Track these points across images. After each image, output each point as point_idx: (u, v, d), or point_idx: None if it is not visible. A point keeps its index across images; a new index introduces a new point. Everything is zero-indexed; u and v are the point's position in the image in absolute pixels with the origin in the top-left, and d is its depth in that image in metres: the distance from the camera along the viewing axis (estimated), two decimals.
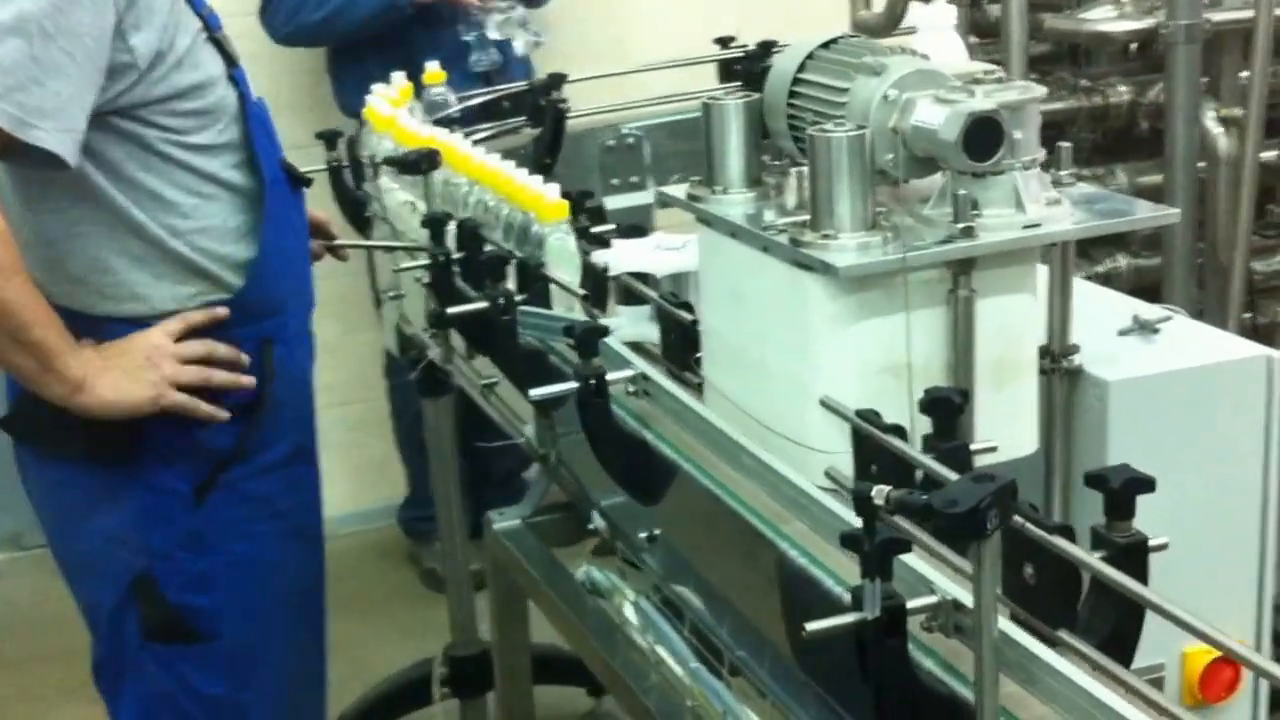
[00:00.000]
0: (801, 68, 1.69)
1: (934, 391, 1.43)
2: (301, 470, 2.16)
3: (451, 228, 2.28)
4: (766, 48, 3.62)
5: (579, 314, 1.97)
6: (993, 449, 1.48)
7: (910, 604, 1.19)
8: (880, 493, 1.16)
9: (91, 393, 1.91)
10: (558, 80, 3.43)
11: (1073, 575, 1.25)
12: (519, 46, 3.89)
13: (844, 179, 1.50)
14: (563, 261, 2.02)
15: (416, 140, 2.51)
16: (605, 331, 1.74)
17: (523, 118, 3.44)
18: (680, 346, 1.84)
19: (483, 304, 2.04)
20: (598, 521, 1.95)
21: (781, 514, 1.48)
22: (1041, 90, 1.54)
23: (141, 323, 1.99)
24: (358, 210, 3.13)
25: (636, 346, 1.91)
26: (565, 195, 2.13)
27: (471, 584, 3.10)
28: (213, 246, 2.01)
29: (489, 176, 2.21)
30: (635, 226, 2.20)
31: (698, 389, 1.81)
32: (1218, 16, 2.66)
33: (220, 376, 2.01)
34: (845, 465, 1.53)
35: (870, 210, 1.51)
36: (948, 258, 1.49)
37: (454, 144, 2.40)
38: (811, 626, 1.17)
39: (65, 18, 1.81)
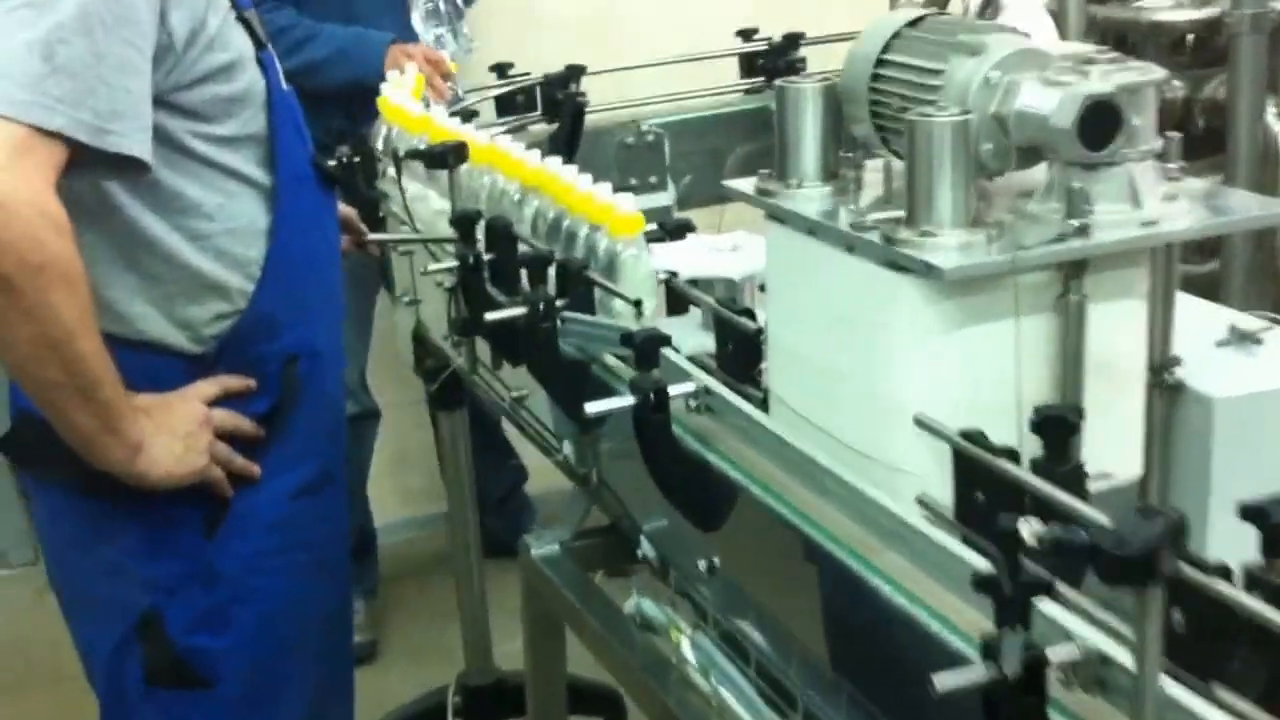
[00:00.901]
0: (886, 48, 1.54)
1: (1047, 409, 1.28)
2: (328, 496, 1.98)
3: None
4: (792, 40, 3.50)
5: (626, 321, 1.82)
6: (1107, 476, 1.33)
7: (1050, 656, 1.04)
8: (1028, 527, 1.00)
9: (149, 458, 1.74)
10: (576, 73, 3.28)
11: (1229, 621, 1.10)
12: (452, 51, 3.67)
13: (946, 170, 1.34)
14: (636, 281, 1.82)
15: (447, 137, 2.36)
16: (667, 340, 1.58)
17: (537, 112, 3.30)
18: (740, 357, 1.68)
19: (520, 309, 1.88)
20: (646, 549, 1.79)
21: (870, 544, 1.33)
22: (1162, 72, 1.39)
23: (149, 348, 1.81)
24: (371, 209, 2.98)
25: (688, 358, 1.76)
26: None
27: (486, 609, 2.95)
28: (238, 250, 1.83)
29: (548, 183, 2.02)
30: (681, 225, 2.04)
31: (760, 404, 1.65)
32: None
33: (239, 463, 1.85)
34: (935, 488, 1.38)
35: (973, 205, 1.36)
36: (1061, 258, 1.34)
37: (504, 147, 2.20)
38: (942, 683, 1.02)
39: (122, 4, 1.64)
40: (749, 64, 3.51)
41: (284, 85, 1.89)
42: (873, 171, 1.61)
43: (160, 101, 1.72)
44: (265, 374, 1.87)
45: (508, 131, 3.10)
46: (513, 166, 2.10)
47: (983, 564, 1.17)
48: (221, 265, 1.82)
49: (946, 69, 1.45)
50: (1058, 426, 1.27)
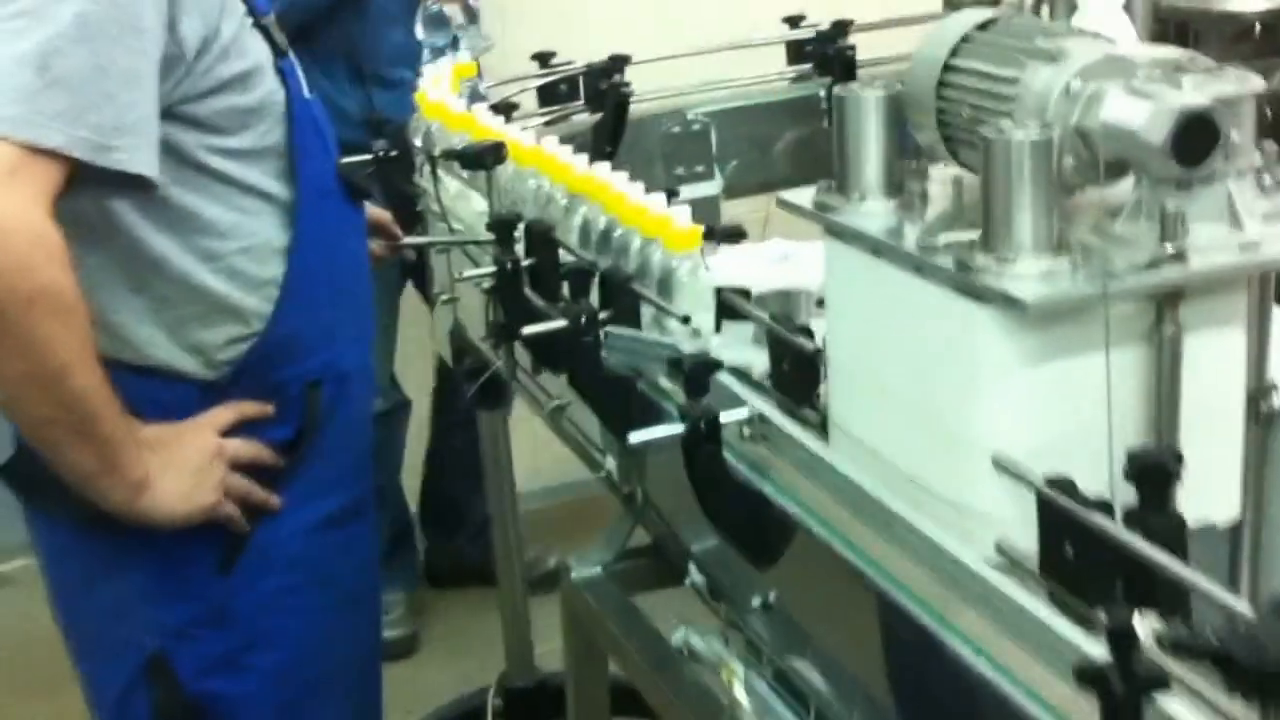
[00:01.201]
0: (954, 51, 1.40)
1: (1143, 454, 1.15)
2: (356, 528, 1.85)
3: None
4: (841, 27, 3.35)
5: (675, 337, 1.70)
6: (1204, 519, 1.19)
7: None
8: (1147, 624, 0.87)
9: (154, 496, 1.62)
10: (620, 63, 3.15)
11: None
12: (465, 51, 3.50)
13: (1026, 192, 1.21)
14: (693, 299, 1.68)
15: (489, 136, 2.23)
16: (718, 366, 1.46)
17: (580, 102, 3.17)
18: (798, 379, 1.55)
19: (561, 322, 1.75)
20: (695, 577, 1.67)
21: (948, 601, 1.20)
22: (1260, 82, 1.24)
23: (159, 375, 1.69)
24: (408, 205, 2.86)
25: (738, 374, 1.63)
26: None
27: (528, 609, 2.84)
28: (254, 270, 1.71)
29: (598, 191, 1.88)
30: (733, 230, 1.91)
31: (819, 428, 1.53)
32: None
33: (258, 495, 1.72)
34: (1015, 532, 1.25)
35: (1056, 229, 1.22)
36: (1157, 287, 1.20)
37: (551, 150, 2.06)
38: None
39: (126, 11, 1.52)
40: (796, 51, 3.37)
41: (306, 93, 1.76)
42: (939, 183, 1.47)
43: (170, 114, 1.60)
44: (286, 399, 1.75)
45: (549, 123, 2.98)
46: (560, 171, 1.96)
47: (1075, 634, 1.05)
48: (236, 286, 1.70)
49: (1022, 77, 1.32)
50: (1156, 474, 1.13)
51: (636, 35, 3.81)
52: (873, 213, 1.42)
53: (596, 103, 3.11)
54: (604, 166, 1.91)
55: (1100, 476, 1.21)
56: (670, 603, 1.82)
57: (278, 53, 1.72)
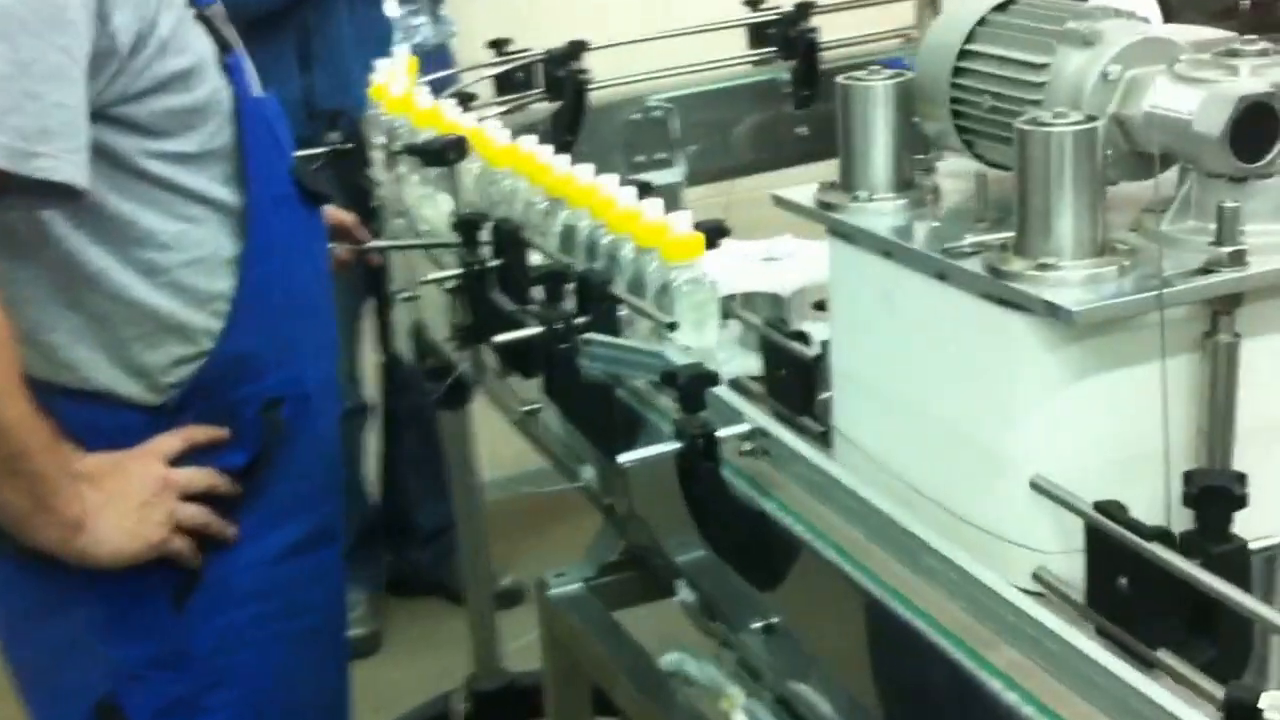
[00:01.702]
0: (970, 36, 1.25)
1: (1205, 477, 1.01)
2: (323, 555, 1.68)
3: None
4: (803, 10, 3.20)
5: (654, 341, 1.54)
6: (1263, 538, 1.05)
7: None
8: (1269, 700, 0.73)
9: (93, 535, 1.44)
10: (578, 48, 2.98)
11: None
12: (430, 35, 3.30)
13: (1067, 188, 1.06)
14: (695, 314, 1.48)
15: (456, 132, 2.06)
16: (715, 379, 1.30)
17: (538, 90, 3.01)
18: (796, 387, 1.40)
19: (535, 329, 1.59)
20: (685, 594, 1.52)
21: (982, 636, 1.05)
22: None
23: (100, 399, 1.50)
24: (363, 201, 2.69)
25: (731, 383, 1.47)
26: None
27: (494, 609, 2.68)
28: (201, 284, 1.52)
29: (584, 197, 1.71)
30: (714, 226, 1.74)
31: (819, 439, 1.38)
32: None
33: (215, 525, 1.55)
34: (1052, 560, 1.11)
35: (1102, 230, 1.08)
36: (1215, 292, 1.06)
37: (528, 149, 1.87)
38: None
39: (50, 2, 1.33)
40: (758, 34, 3.21)
41: (256, 91, 1.58)
42: (949, 177, 1.33)
43: (104, 116, 1.41)
44: (242, 421, 1.57)
45: (507, 112, 2.81)
46: (538, 173, 1.79)
47: (1137, 678, 0.91)
48: (182, 302, 1.51)
49: (1053, 62, 1.17)
50: (1218, 499, 0.99)
51: (592, 21, 3.66)
52: (882, 211, 1.27)
53: (555, 90, 2.96)
54: (586, 168, 1.74)
55: (1147, 500, 1.07)
56: (647, 618, 1.68)
57: (223, 47, 1.53)
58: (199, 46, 1.49)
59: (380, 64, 2.67)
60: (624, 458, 1.28)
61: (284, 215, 1.57)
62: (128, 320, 1.49)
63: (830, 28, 3.13)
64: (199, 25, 1.50)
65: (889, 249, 1.22)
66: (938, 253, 1.15)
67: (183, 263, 1.50)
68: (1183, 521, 1.11)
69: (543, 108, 2.93)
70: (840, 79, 1.28)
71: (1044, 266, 1.07)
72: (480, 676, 2.73)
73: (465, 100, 2.63)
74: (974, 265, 1.12)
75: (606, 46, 3.08)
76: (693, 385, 1.28)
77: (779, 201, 1.35)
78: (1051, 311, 1.04)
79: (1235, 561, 1.00)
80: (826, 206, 1.30)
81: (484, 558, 2.58)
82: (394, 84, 2.51)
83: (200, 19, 1.50)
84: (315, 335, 1.65)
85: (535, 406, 1.93)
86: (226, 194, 1.53)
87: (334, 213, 1.91)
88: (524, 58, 3.02)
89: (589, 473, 1.75)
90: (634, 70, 3.07)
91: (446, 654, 3.11)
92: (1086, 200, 1.06)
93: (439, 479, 3.59)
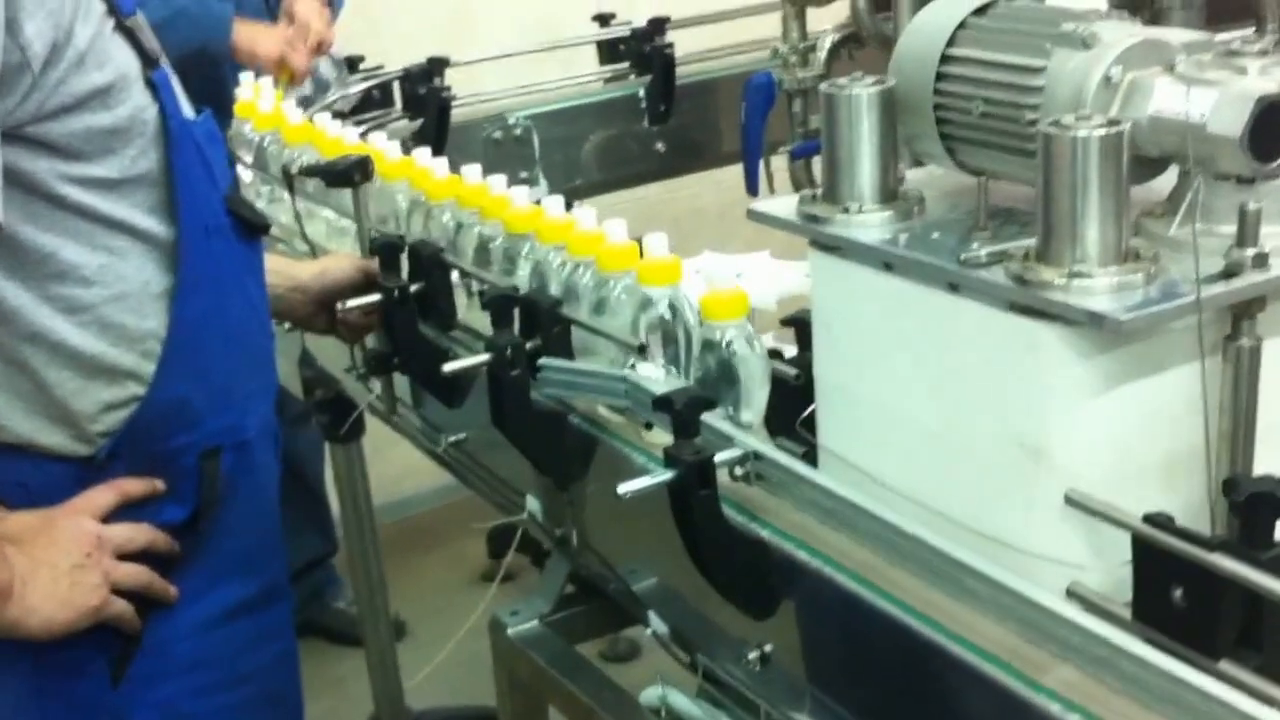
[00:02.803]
0: (951, 41, 1.21)
1: (1251, 484, 0.98)
2: (272, 615, 1.53)
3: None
4: (658, 24, 3.16)
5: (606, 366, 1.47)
6: None
7: None
8: None
9: (22, 604, 1.29)
10: (439, 66, 2.90)
11: None
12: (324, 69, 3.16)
13: (1094, 194, 1.03)
14: (748, 386, 1.32)
15: (339, 149, 1.95)
16: (711, 404, 1.24)
17: (396, 109, 2.91)
18: (781, 409, 1.35)
19: (483, 356, 1.51)
20: (657, 625, 1.45)
21: (1028, 656, 1.01)
22: None
23: (22, 452, 1.35)
24: None
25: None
26: None
27: (394, 643, 2.56)
28: (129, 321, 1.37)
29: (520, 221, 1.62)
30: None
31: (804, 459, 1.32)
32: None
33: (157, 585, 1.41)
34: (1087, 576, 1.08)
35: (1129, 237, 1.05)
36: (1244, 296, 1.03)
37: (472, 180, 1.77)
38: None
39: None
40: (610, 51, 3.16)
41: (187, 111, 1.43)
42: (925, 186, 1.29)
43: (15, 136, 1.27)
44: (179, 473, 1.42)
45: (366, 132, 2.71)
46: (470, 196, 1.69)
47: (1220, 689, 0.87)
48: (107, 342, 1.37)
49: (1049, 65, 1.13)
50: (1265, 505, 0.97)
51: (437, 39, 3.56)
52: (871, 223, 1.22)
53: (415, 108, 2.86)
54: (520, 190, 1.66)
55: (1178, 507, 1.04)
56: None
57: (147, 62, 1.38)
58: (121, 60, 1.34)
59: (244, 77, 2.54)
60: (623, 488, 1.20)
61: (218, 248, 1.43)
62: (49, 363, 1.34)
63: (687, 42, 3.10)
64: (120, 37, 1.34)
65: (891, 261, 1.17)
66: (953, 264, 1.10)
67: (107, 299, 1.36)
68: (1204, 525, 1.10)
69: (402, 126, 2.84)
70: (823, 87, 1.22)
71: (1075, 275, 1.03)
72: (384, 718, 2.61)
73: (341, 117, 2.52)
74: (995, 277, 1.08)
75: (467, 63, 3.00)
76: (688, 410, 1.22)
77: (756, 216, 1.29)
78: (1097, 321, 1.00)
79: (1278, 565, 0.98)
80: (813, 219, 1.24)
81: (382, 594, 2.46)
82: (261, 99, 2.39)
83: (122, 30, 1.35)
84: (254, 378, 1.52)
85: (460, 437, 1.84)
86: (154, 224, 1.39)
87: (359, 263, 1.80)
88: (382, 75, 2.92)
89: (534, 504, 1.66)
90: (488, 89, 3.01)
91: (332, 698, 2.98)
92: (1113, 206, 1.03)
93: (303, 512, 3.44)
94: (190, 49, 2.65)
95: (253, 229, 1.49)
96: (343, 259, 1.85)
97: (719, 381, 1.32)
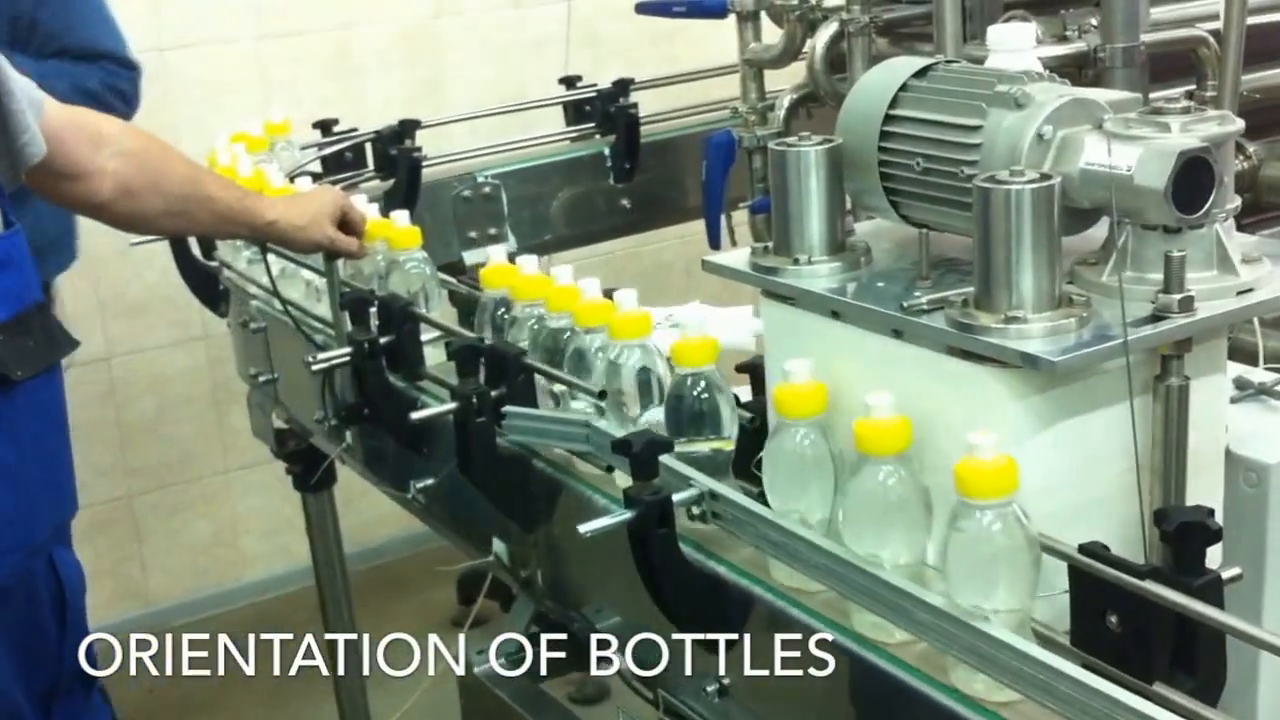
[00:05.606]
0: (894, 103, 1.26)
1: (1179, 514, 1.02)
2: None
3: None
4: (623, 86, 3.21)
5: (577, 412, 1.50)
6: (1237, 577, 1.06)
7: None
8: None
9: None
10: (410, 127, 2.94)
11: None
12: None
13: (1027, 245, 1.07)
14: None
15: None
16: (669, 446, 1.27)
17: (369, 169, 2.94)
18: (737, 453, 1.38)
19: (449, 405, 1.53)
20: (628, 663, 1.47)
21: (993, 689, 1.04)
22: (1240, 123, 1.14)
23: None
24: (209, 284, 2.57)
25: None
26: None
27: (365, 690, 2.56)
28: None
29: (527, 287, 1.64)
30: None
31: (757, 499, 1.35)
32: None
33: None
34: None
35: (1062, 283, 1.09)
36: (1172, 338, 1.07)
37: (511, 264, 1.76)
38: None
39: None
40: (576, 112, 3.21)
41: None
42: (873, 239, 1.33)
43: None
44: None
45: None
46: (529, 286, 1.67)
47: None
48: None
49: (985, 124, 1.18)
50: (1194, 534, 1.00)
51: (409, 103, 3.61)
52: (819, 273, 1.26)
53: (387, 169, 2.89)
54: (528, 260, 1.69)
55: (1107, 539, 1.08)
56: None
57: None
58: None
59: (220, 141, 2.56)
60: (584, 528, 1.23)
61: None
62: None
63: (650, 102, 3.15)
64: None
65: (837, 309, 1.21)
66: (896, 311, 1.14)
67: None
68: (1139, 555, 1.13)
69: (374, 186, 2.87)
70: (773, 145, 1.27)
71: (1011, 319, 1.07)
72: None
73: (316, 179, 2.55)
74: (937, 322, 1.11)
75: (436, 124, 3.04)
76: (645, 452, 1.25)
77: (711, 267, 1.33)
78: (1031, 362, 1.04)
79: (1212, 592, 1.01)
80: (763, 270, 1.28)
81: (353, 641, 2.47)
82: (240, 165, 2.42)
83: None
84: (49, 505, 1.47)
85: (426, 483, 1.86)
86: None
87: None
88: (355, 137, 2.96)
89: (499, 547, 1.69)
90: (457, 149, 3.04)
91: None
92: (1046, 254, 1.07)
93: None
94: None
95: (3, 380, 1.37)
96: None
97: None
